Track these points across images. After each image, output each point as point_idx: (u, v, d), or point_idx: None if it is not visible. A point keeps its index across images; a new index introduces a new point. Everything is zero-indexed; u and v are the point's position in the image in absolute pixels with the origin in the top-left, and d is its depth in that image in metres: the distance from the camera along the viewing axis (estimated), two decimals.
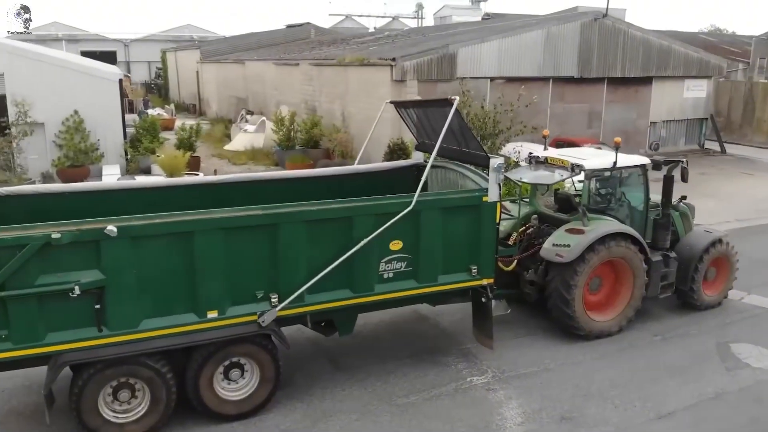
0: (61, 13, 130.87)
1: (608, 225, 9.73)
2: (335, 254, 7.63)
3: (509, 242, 10.51)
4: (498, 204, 8.50)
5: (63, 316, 6.58)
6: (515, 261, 10.12)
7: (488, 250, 8.63)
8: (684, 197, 11.07)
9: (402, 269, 8.18)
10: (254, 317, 7.39)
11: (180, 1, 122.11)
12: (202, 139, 30.83)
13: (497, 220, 8.60)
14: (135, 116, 35.89)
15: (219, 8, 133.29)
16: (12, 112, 19.97)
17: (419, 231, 8.12)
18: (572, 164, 9.86)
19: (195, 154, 23.35)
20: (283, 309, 7.50)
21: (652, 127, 27.52)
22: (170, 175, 19.07)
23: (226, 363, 7.54)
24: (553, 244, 9.60)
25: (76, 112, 21.18)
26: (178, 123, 30.94)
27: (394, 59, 20.79)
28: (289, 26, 51.53)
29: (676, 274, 10.60)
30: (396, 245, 8.06)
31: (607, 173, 10.11)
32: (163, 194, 8.77)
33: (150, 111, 37.64)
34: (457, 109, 8.22)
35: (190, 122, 26.90)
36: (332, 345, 9.52)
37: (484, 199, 8.39)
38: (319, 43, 38.64)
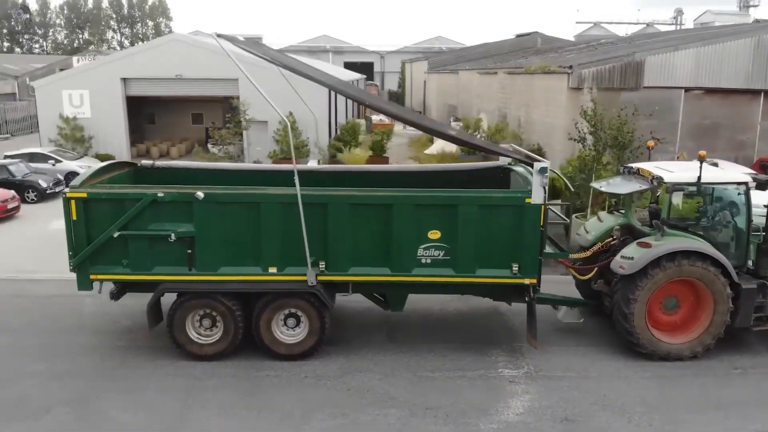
0: (329, 26, 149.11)
1: (680, 242, 9.21)
2: (370, 233, 8.88)
3: (588, 252, 10.46)
4: (542, 206, 8.81)
5: (165, 255, 8.98)
6: (594, 270, 10.12)
7: (531, 251, 8.99)
8: None
9: (440, 257, 9.04)
10: (305, 277, 9.00)
11: (432, 14, 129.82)
12: (409, 144, 33.64)
13: (542, 223, 8.90)
14: (362, 120, 40.36)
15: (469, 19, 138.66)
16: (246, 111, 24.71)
17: (457, 224, 8.90)
18: (653, 176, 9.53)
19: (385, 155, 25.91)
20: (327, 274, 9.01)
21: None
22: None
23: (285, 312, 9.30)
24: (621, 256, 9.45)
25: (291, 113, 25.22)
26: (397, 128, 34.29)
27: (570, 67, 20.64)
28: (518, 36, 52.17)
29: None
30: (434, 234, 8.97)
31: (693, 188, 9.51)
32: (276, 176, 10.88)
33: (374, 117, 41.86)
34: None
35: (398, 128, 29.72)
36: (398, 321, 10.71)
37: (528, 200, 8.80)
38: (535, 52, 38.82)
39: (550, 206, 9.22)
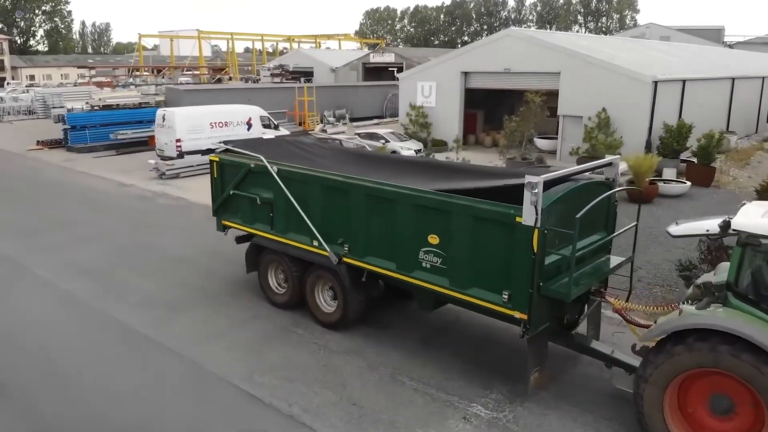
0: None
1: (724, 319, 6.25)
2: (381, 226, 9.04)
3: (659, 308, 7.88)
4: (536, 230, 7.36)
5: (259, 214, 11.10)
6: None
7: (522, 280, 7.62)
8: None
9: (438, 265, 8.54)
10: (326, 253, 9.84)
11: None
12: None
13: (535, 248, 7.42)
14: None
15: None
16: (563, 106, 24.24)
17: (452, 232, 8.26)
18: (724, 219, 6.63)
19: (712, 165, 21.61)
20: (349, 257, 9.62)
21: None
22: (635, 174, 19.31)
23: (329, 284, 10.31)
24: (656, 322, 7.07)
25: (603, 109, 23.52)
26: None
27: None
28: None
29: None
30: (433, 239, 8.52)
31: None
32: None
33: None
34: None
35: None
36: (452, 332, 10.30)
37: (518, 219, 7.51)
38: None
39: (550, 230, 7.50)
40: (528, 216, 7.37)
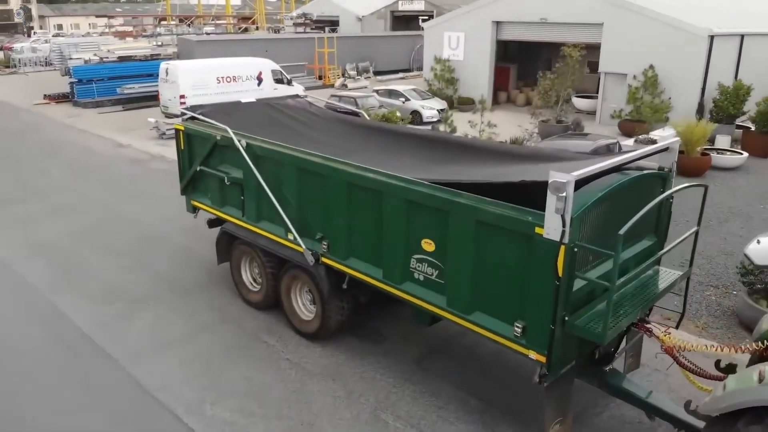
0: None
1: None
2: (366, 223, 7.16)
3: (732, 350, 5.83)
4: (562, 246, 5.34)
5: (229, 196, 9.27)
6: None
7: (541, 310, 5.66)
8: None
9: (433, 278, 6.62)
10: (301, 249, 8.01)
11: None
12: None
13: (560, 271, 5.42)
14: None
15: None
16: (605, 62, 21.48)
17: (450, 238, 6.30)
18: None
19: None
20: (328, 258, 7.77)
21: None
22: (686, 143, 16.81)
23: (308, 287, 8.51)
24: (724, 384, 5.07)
25: (651, 66, 20.77)
26: None
27: None
28: None
29: None
30: (428, 245, 6.58)
31: None
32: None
33: None
34: None
35: None
36: (445, 344, 8.45)
37: (538, 230, 5.49)
38: None
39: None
40: (552, 227, 5.34)
